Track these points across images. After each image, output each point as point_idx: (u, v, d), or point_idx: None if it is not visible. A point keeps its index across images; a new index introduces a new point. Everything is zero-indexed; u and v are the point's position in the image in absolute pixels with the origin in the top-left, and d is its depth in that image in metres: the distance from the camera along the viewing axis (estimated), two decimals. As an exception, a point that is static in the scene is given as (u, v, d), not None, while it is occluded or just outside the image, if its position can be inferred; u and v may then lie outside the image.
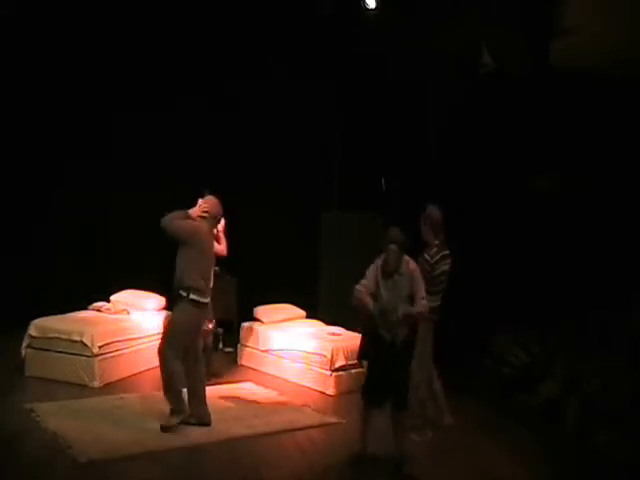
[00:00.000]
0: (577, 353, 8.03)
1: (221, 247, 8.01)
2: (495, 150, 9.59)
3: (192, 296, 6.64)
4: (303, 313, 9.91)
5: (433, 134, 10.46)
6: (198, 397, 6.96)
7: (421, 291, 6.31)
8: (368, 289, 6.25)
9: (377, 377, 6.41)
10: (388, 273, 6.28)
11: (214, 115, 11.07)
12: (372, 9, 9.75)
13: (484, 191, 9.84)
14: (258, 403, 8.06)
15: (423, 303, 6.29)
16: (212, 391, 8.33)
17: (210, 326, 9.03)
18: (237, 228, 9.11)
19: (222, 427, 7.09)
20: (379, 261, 6.35)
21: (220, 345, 10.82)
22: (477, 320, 9.16)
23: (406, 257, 6.35)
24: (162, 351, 6.72)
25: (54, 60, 10.49)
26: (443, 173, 10.44)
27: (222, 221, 8.46)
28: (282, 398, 8.30)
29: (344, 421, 7.53)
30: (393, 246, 6.23)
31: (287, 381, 8.98)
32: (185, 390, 6.90)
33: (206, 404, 7.03)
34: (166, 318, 6.72)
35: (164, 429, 6.62)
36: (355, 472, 6.29)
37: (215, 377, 8.97)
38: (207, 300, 6.84)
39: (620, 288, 7.91)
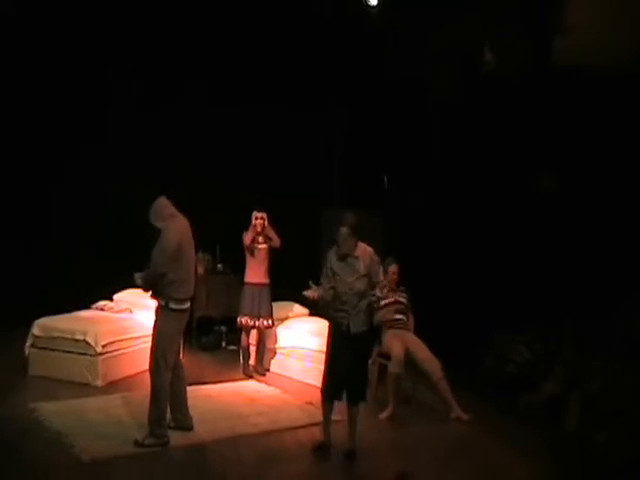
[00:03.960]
0: (579, 352, 8.02)
1: (275, 240, 8.91)
2: (496, 148, 9.57)
3: (172, 305, 6.49)
4: (306, 311, 9.91)
5: (435, 132, 10.44)
6: (179, 402, 6.79)
7: (377, 275, 6.49)
8: (325, 280, 6.47)
9: (333, 369, 6.51)
10: (341, 256, 6.43)
11: (215, 112, 11.05)
12: (373, 6, 9.75)
13: (486, 189, 9.83)
14: (262, 401, 8.07)
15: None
16: (217, 389, 8.41)
17: (265, 323, 9.08)
18: (239, 226, 9.14)
19: (226, 425, 7.11)
20: (333, 250, 6.51)
21: (223, 343, 10.85)
22: (480, 318, 9.15)
23: (362, 243, 6.50)
24: (152, 365, 6.51)
25: (59, 55, 10.48)
26: (445, 171, 10.44)
27: (259, 217, 8.96)
28: (286, 396, 8.31)
29: (346, 418, 7.52)
30: (343, 229, 6.37)
31: (291, 379, 8.98)
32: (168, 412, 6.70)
33: (187, 408, 6.86)
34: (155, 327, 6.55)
35: (137, 444, 6.34)
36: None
37: (261, 375, 9.17)
38: (187, 306, 6.65)
39: (622, 287, 7.88)
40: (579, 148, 8.61)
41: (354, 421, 6.58)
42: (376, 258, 6.50)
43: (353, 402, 6.54)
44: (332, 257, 6.49)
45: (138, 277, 6.54)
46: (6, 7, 9.27)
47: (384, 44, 10.09)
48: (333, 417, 6.74)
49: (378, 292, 6.56)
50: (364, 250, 6.47)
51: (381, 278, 6.51)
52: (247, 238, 9.00)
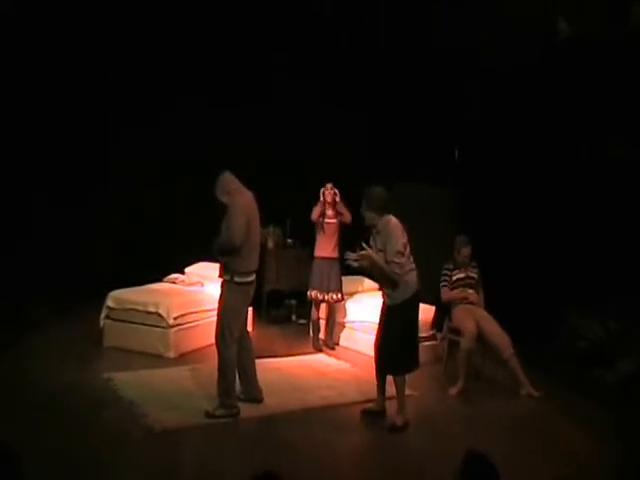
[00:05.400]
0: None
1: (346, 216, 8.94)
2: (569, 119, 9.33)
3: (236, 279, 6.54)
4: (376, 285, 9.86)
5: (505, 105, 10.22)
6: (247, 374, 6.86)
7: (390, 252, 6.35)
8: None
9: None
10: (369, 230, 6.55)
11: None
12: None
13: (559, 161, 9.60)
14: (331, 375, 8.10)
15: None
16: (286, 362, 8.47)
17: (335, 297, 9.12)
18: (309, 200, 9.14)
19: (295, 397, 7.17)
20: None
21: (293, 317, 10.91)
22: (552, 293, 8.99)
23: (388, 216, 6.47)
24: (218, 337, 6.58)
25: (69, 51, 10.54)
26: (518, 143, 10.22)
27: (332, 191, 9.03)
28: (355, 370, 8.31)
29: (416, 393, 7.49)
30: (364, 203, 6.48)
31: (360, 353, 8.97)
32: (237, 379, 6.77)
33: (256, 380, 6.92)
34: (220, 300, 6.61)
35: (208, 415, 6.43)
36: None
37: (331, 349, 9.25)
38: (252, 279, 6.68)
39: None
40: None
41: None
42: (390, 230, 6.41)
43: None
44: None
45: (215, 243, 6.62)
46: (6, 7, 9.28)
47: (449, 15, 9.88)
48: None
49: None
50: (386, 224, 6.45)
51: (392, 256, 6.34)
52: (315, 213, 9.03)
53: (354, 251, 6.47)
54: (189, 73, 10.92)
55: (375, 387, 6.82)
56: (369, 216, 6.48)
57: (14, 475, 3.22)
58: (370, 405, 6.88)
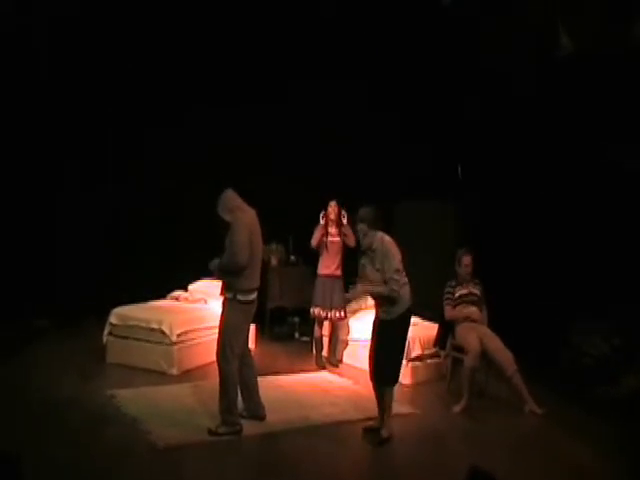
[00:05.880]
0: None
1: (350, 239, 8.78)
2: (574, 133, 9.36)
3: (239, 297, 6.52)
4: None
5: (510, 120, 10.25)
6: (250, 391, 6.85)
7: (389, 270, 6.39)
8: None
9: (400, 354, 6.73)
10: (364, 251, 6.58)
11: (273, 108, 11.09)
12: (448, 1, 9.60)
13: (562, 177, 9.62)
14: (334, 392, 8.08)
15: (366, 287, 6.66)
16: (289, 380, 8.46)
17: (337, 314, 9.13)
18: (312, 218, 9.16)
19: (298, 415, 7.15)
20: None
21: (296, 334, 10.90)
22: (556, 309, 8.99)
23: (380, 233, 6.53)
24: (219, 355, 6.56)
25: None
26: (521, 159, 10.25)
27: (336, 208, 9.05)
28: (358, 387, 8.29)
29: (420, 412, 7.50)
30: (360, 225, 6.51)
31: (363, 370, 8.89)
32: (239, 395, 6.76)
33: (259, 397, 6.90)
34: (221, 317, 6.62)
35: (211, 433, 6.41)
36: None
37: (334, 366, 9.24)
38: (254, 297, 6.66)
39: None
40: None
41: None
42: (387, 249, 6.46)
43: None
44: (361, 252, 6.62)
45: (213, 265, 6.62)
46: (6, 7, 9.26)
47: (456, 37, 9.92)
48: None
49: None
50: (381, 242, 6.50)
51: (391, 274, 6.40)
52: (314, 239, 9.13)
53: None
54: (187, 86, 10.98)
55: (376, 405, 6.81)
56: (370, 235, 6.50)
57: (14, 476, 3.23)
58: (371, 423, 6.86)
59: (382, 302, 6.57)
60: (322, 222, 9.13)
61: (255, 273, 6.63)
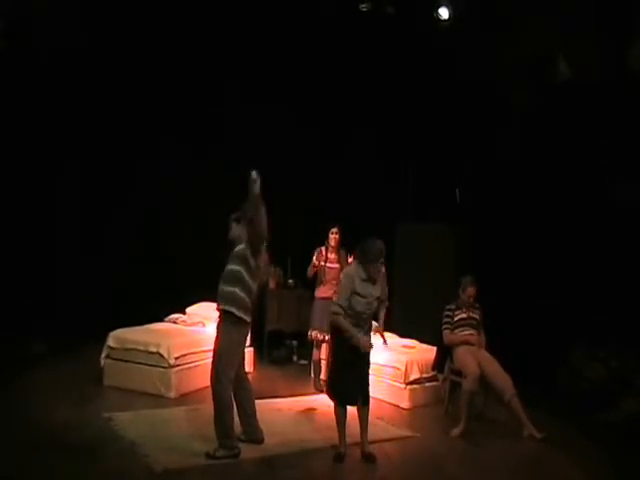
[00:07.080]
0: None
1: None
2: (573, 160, 9.41)
3: (233, 318, 6.46)
4: (375, 326, 9.85)
5: (509, 144, 10.31)
6: (247, 415, 6.82)
7: (384, 294, 7.04)
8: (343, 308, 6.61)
9: (351, 377, 6.74)
10: (372, 280, 6.66)
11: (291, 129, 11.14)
12: (445, 20, 9.69)
13: (561, 202, 9.66)
14: (332, 415, 8.03)
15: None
16: (287, 403, 8.43)
17: (327, 337, 9.12)
18: (310, 241, 9.19)
19: (296, 438, 7.12)
20: (356, 271, 6.65)
21: (294, 357, 10.89)
22: (554, 333, 8.99)
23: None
24: (213, 378, 6.55)
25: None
26: (518, 184, 10.30)
27: (337, 237, 9.15)
28: (355, 410, 8.25)
29: (418, 435, 7.48)
30: (380, 261, 6.64)
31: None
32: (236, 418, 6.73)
33: (257, 421, 6.87)
34: (215, 340, 6.62)
35: (209, 457, 6.37)
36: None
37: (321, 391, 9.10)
38: (248, 319, 6.61)
39: None
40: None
41: (367, 422, 6.84)
42: (384, 277, 6.96)
43: (367, 403, 6.84)
44: (355, 278, 6.62)
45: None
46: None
47: (453, 57, 10.01)
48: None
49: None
50: (381, 272, 6.80)
51: (386, 298, 7.02)
52: (310, 272, 9.25)
53: None
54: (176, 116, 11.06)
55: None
56: (381, 272, 6.75)
57: None
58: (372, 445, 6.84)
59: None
60: (314, 260, 9.17)
61: (253, 288, 6.56)
